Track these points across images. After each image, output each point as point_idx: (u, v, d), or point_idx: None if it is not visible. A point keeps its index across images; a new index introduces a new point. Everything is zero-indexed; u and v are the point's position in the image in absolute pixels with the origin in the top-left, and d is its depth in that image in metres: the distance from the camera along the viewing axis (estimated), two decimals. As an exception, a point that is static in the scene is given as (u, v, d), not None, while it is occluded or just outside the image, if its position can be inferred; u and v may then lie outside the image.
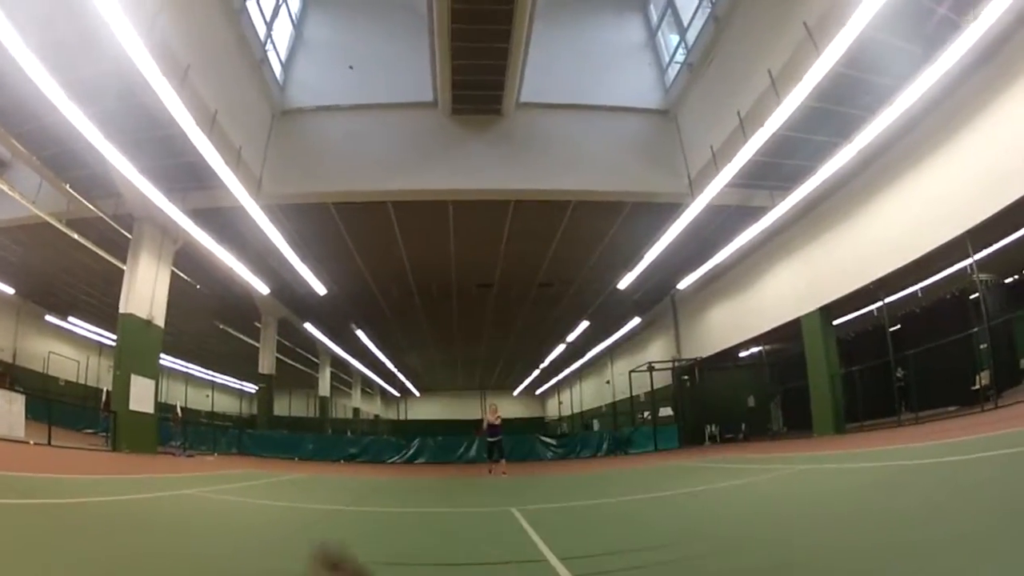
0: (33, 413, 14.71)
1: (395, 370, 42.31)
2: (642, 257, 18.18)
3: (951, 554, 2.87)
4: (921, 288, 16.04)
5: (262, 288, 19.37)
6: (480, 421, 15.56)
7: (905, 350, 14.43)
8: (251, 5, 15.08)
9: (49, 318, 29.70)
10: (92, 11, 8.37)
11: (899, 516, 4.04)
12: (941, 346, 13.28)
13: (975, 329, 12.81)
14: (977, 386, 12.33)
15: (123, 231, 16.18)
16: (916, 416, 13.49)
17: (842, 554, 3.12)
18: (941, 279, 15.20)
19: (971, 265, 12.62)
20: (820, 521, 4.36)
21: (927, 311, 15.39)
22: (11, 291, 25.37)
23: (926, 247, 12.50)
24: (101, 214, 15.69)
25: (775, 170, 14.47)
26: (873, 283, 14.38)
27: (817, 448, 12.42)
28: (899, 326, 15.56)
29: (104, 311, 26.60)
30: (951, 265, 14.00)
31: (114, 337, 16.54)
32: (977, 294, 13.25)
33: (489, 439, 15.45)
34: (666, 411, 25.20)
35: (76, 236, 16.43)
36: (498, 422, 15.46)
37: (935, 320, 14.47)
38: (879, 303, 15.60)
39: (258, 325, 27.41)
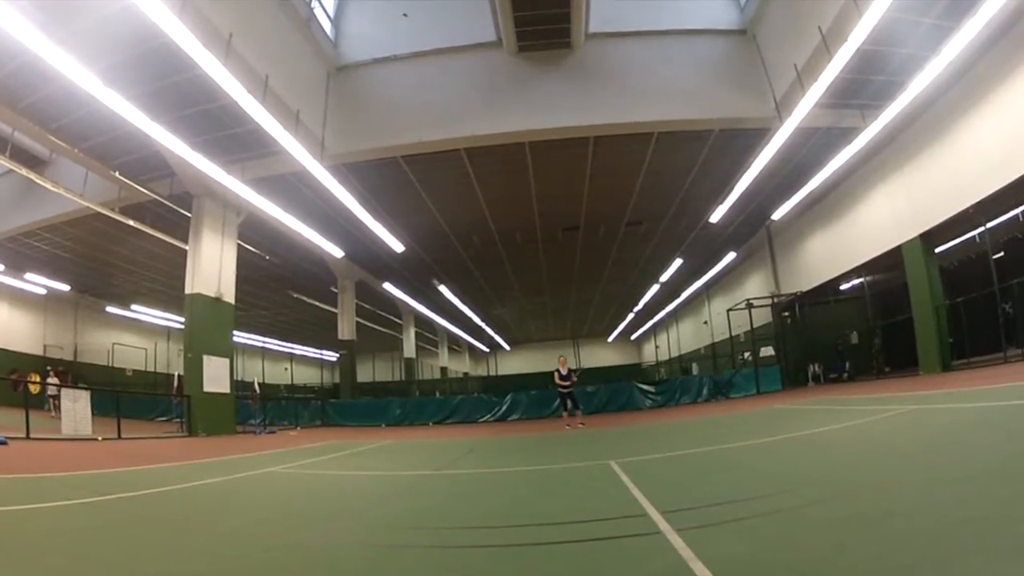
0: (101, 408, 14.56)
1: (482, 324, 41.48)
2: (733, 188, 17.41)
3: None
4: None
5: (336, 252, 19.12)
6: (557, 372, 15.39)
7: (1010, 279, 13.55)
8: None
9: (110, 309, 30.26)
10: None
11: (1014, 459, 3.82)
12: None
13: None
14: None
15: (181, 210, 15.95)
16: (1023, 352, 12.84)
17: (953, 501, 2.98)
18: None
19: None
20: (930, 465, 4.21)
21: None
22: (66, 288, 25.76)
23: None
24: (156, 196, 15.52)
25: (863, 88, 13.85)
26: (973, 206, 13.52)
27: (925, 387, 11.76)
28: (1002, 253, 14.72)
29: (169, 294, 27.04)
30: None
31: (182, 320, 16.26)
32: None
33: (561, 390, 15.36)
34: (767, 351, 24.34)
35: (131, 222, 16.34)
36: (566, 371, 15.33)
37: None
38: (981, 228, 14.57)
39: (335, 290, 27.17)
